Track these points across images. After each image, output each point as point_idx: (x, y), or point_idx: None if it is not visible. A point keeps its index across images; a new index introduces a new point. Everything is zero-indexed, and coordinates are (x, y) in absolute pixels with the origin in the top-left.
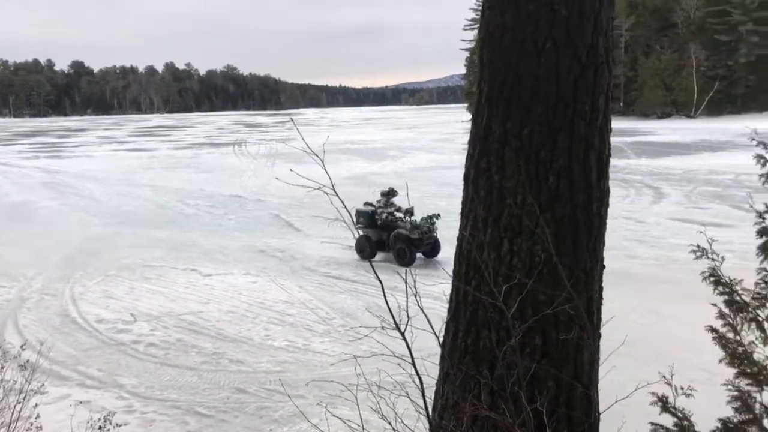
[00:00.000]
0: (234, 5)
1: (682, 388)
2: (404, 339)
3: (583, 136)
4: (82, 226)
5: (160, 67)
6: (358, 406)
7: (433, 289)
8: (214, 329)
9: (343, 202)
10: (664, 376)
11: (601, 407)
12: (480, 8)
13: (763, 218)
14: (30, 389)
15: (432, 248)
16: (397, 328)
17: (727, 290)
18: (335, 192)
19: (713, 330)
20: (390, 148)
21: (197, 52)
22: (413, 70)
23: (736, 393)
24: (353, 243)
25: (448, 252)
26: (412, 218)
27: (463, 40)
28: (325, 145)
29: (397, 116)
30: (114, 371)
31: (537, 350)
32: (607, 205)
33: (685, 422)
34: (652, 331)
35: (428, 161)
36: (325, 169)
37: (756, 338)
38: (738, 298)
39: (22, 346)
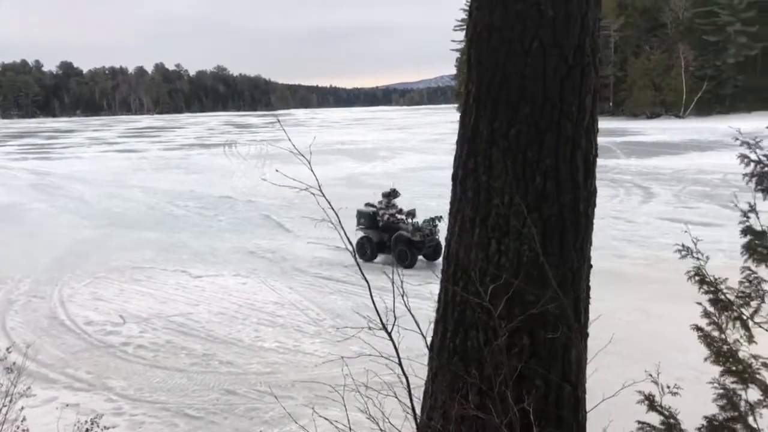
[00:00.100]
0: (224, 6)
1: (668, 387)
2: (391, 339)
3: (569, 137)
4: (71, 227)
5: (149, 68)
6: (345, 407)
7: (422, 289)
8: (204, 331)
9: (330, 203)
10: (650, 375)
11: (589, 406)
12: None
13: (748, 217)
14: (16, 392)
15: (434, 251)
16: (384, 328)
17: (712, 289)
18: (322, 193)
19: (698, 329)
20: (380, 149)
21: (187, 53)
22: (404, 70)
23: (721, 391)
24: (341, 243)
25: None
26: (414, 220)
27: (454, 41)
28: (316, 146)
29: (388, 117)
30: (103, 373)
31: (525, 350)
32: (594, 205)
33: (672, 420)
34: (640, 330)
35: (419, 162)
36: (312, 170)
37: (741, 337)
38: (723, 297)
39: (8, 349)
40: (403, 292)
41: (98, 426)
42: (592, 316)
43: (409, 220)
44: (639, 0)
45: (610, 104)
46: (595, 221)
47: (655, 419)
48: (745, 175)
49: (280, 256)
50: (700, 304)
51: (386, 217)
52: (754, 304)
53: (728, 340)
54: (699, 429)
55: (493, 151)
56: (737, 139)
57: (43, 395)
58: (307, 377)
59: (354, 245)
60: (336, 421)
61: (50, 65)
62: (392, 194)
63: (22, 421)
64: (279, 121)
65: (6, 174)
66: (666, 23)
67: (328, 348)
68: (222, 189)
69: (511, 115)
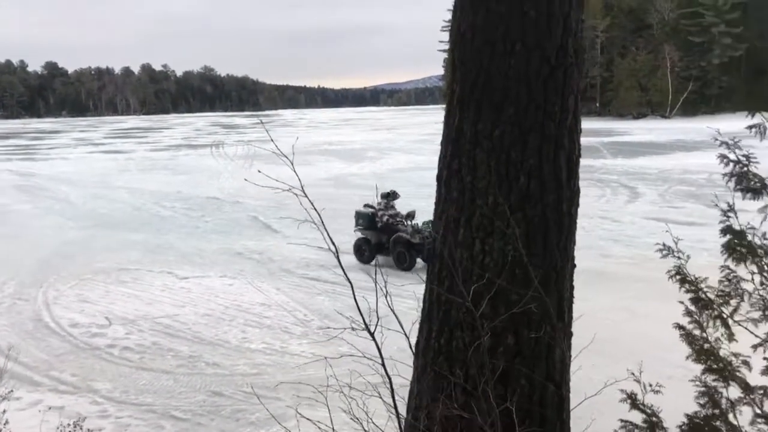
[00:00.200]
0: (211, 6)
1: (650, 385)
2: (374, 340)
3: (553, 137)
4: (57, 229)
5: (136, 69)
6: (328, 408)
7: (404, 289)
8: (191, 332)
9: (312, 204)
10: (632, 374)
11: (573, 405)
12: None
13: (728, 217)
14: None
15: (433, 253)
16: (367, 329)
17: (693, 288)
18: (304, 193)
19: (680, 327)
20: (368, 149)
21: (174, 54)
22: (392, 71)
23: (703, 389)
24: (323, 244)
25: None
26: (413, 222)
27: (441, 41)
28: (305, 147)
29: (376, 117)
30: (88, 376)
31: (510, 349)
32: (578, 204)
33: (654, 419)
34: (625, 329)
35: (406, 162)
36: (295, 171)
37: (721, 335)
38: (703, 296)
39: None
40: (387, 292)
41: (81, 429)
42: (578, 315)
43: (409, 222)
44: (625, 1)
45: (597, 105)
46: (581, 221)
47: (638, 418)
48: (724, 174)
49: (268, 257)
50: (682, 303)
51: (385, 218)
52: (733, 302)
53: (709, 338)
54: (680, 427)
55: (477, 151)
56: (716, 139)
57: (28, 398)
58: (294, 378)
59: (352, 247)
60: (318, 422)
61: (35, 65)
62: (391, 195)
63: (5, 424)
64: (262, 121)
65: None
66: (652, 24)
67: (315, 349)
68: (209, 190)
69: (494, 116)
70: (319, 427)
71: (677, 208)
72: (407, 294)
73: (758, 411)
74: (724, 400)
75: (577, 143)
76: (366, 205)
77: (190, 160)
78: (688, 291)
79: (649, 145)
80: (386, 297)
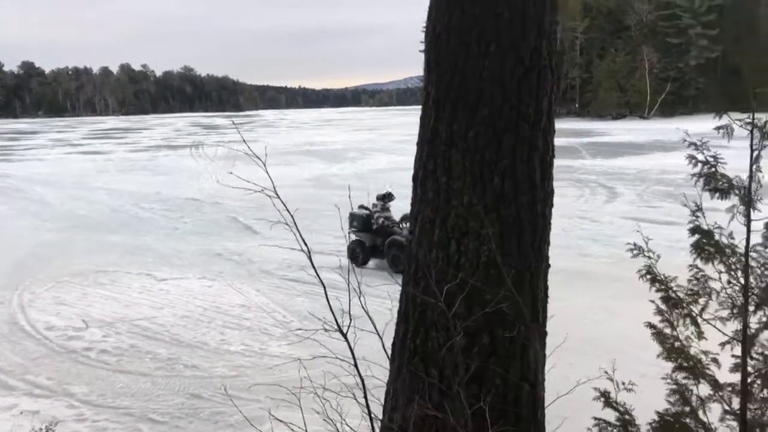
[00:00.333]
0: (191, 6)
1: (623, 383)
2: (347, 341)
3: (527, 138)
4: (33, 230)
5: (115, 69)
6: (302, 410)
7: (381, 289)
8: (169, 334)
9: (285, 205)
10: (606, 372)
11: (548, 403)
12: None
13: (696, 216)
14: None
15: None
16: (340, 330)
17: (663, 287)
18: (277, 195)
19: (651, 326)
20: (350, 150)
21: (153, 54)
22: (373, 71)
23: (674, 386)
24: (296, 245)
25: None
26: (408, 224)
27: (422, 42)
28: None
29: (357, 117)
30: (64, 379)
31: (484, 349)
32: (552, 205)
33: (627, 416)
34: (603, 328)
35: (388, 162)
36: (267, 172)
37: (691, 333)
38: (673, 295)
39: None
40: (360, 292)
41: None
42: (556, 314)
43: (404, 224)
44: (604, 3)
45: (577, 105)
46: (560, 221)
47: (612, 416)
48: (693, 175)
49: (247, 258)
50: (653, 302)
51: (381, 220)
52: (702, 301)
53: (680, 336)
54: (650, 424)
55: (452, 152)
56: (685, 140)
57: (2, 402)
58: (272, 380)
59: (346, 249)
60: (292, 424)
61: (11, 65)
62: (387, 197)
63: None
64: (234, 122)
65: None
66: (630, 26)
67: (294, 350)
68: (188, 191)
69: (469, 117)
70: (293, 430)
71: (655, 207)
72: (384, 294)
73: (727, 408)
74: (694, 398)
75: (551, 145)
76: (361, 207)
77: (170, 160)
78: (658, 290)
79: (628, 145)
80: (359, 298)
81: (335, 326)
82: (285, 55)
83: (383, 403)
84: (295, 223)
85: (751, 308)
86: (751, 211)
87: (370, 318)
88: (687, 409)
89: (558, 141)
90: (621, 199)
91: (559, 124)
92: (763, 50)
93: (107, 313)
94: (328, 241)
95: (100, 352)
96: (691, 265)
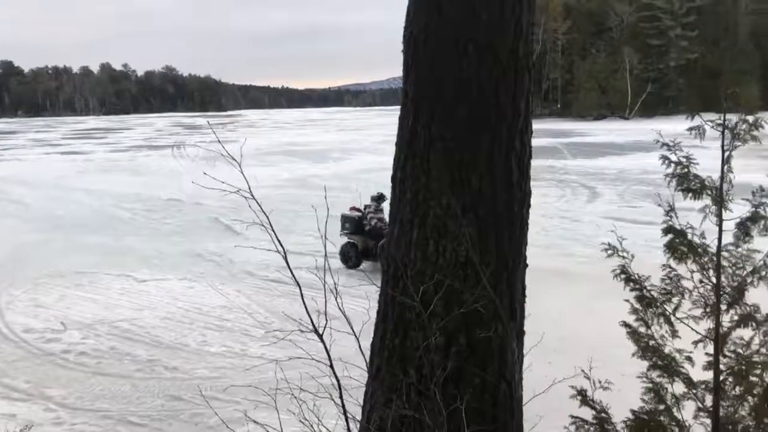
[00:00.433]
0: (172, 4)
1: (599, 382)
2: (322, 341)
3: (504, 139)
4: (11, 231)
5: (95, 68)
6: (278, 411)
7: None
8: (149, 336)
9: (260, 206)
10: (582, 370)
11: (525, 402)
12: None
13: (669, 216)
14: None
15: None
16: (315, 330)
17: (637, 287)
18: (252, 195)
19: (626, 325)
20: (333, 150)
21: (135, 53)
22: (356, 71)
23: (650, 385)
24: (272, 246)
25: None
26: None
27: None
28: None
29: (341, 118)
30: (42, 382)
31: (462, 349)
32: (529, 205)
33: (603, 414)
34: (583, 327)
35: (371, 163)
36: (242, 172)
37: (665, 332)
38: (647, 294)
39: None
40: (337, 293)
41: None
42: (537, 313)
43: None
44: (585, 4)
45: (558, 106)
46: (542, 221)
47: (589, 414)
48: (666, 175)
49: (228, 259)
50: (627, 301)
51: (374, 221)
52: (675, 300)
53: (654, 335)
54: (625, 422)
55: (431, 153)
56: (658, 141)
57: None
58: (251, 381)
59: (338, 251)
60: (267, 425)
61: None
62: (381, 198)
63: None
64: (209, 122)
65: None
66: (611, 27)
67: (274, 351)
68: (170, 191)
69: (447, 118)
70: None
71: (635, 207)
72: (362, 294)
73: (700, 405)
74: (669, 395)
75: (528, 146)
76: (352, 209)
77: (151, 161)
78: (633, 289)
79: (609, 145)
80: (336, 298)
81: (308, 327)
82: (268, 55)
83: (362, 403)
84: (270, 224)
85: (723, 307)
86: (723, 211)
87: (347, 318)
88: (661, 407)
89: (540, 141)
90: (602, 199)
91: (541, 125)
92: (738, 52)
93: (86, 314)
94: (308, 242)
95: (78, 354)
96: (664, 265)
